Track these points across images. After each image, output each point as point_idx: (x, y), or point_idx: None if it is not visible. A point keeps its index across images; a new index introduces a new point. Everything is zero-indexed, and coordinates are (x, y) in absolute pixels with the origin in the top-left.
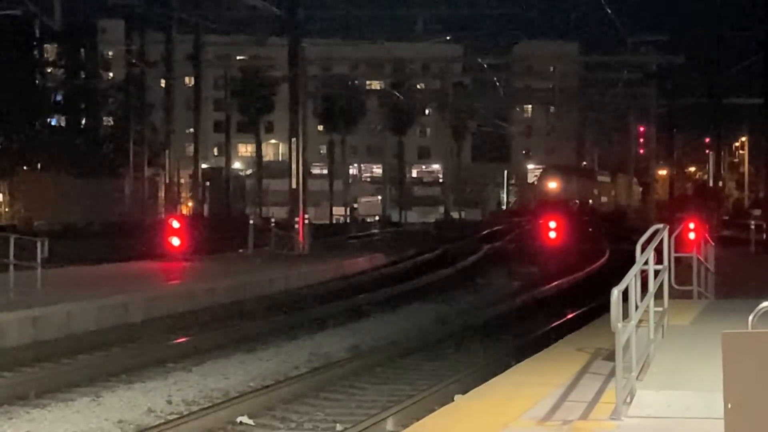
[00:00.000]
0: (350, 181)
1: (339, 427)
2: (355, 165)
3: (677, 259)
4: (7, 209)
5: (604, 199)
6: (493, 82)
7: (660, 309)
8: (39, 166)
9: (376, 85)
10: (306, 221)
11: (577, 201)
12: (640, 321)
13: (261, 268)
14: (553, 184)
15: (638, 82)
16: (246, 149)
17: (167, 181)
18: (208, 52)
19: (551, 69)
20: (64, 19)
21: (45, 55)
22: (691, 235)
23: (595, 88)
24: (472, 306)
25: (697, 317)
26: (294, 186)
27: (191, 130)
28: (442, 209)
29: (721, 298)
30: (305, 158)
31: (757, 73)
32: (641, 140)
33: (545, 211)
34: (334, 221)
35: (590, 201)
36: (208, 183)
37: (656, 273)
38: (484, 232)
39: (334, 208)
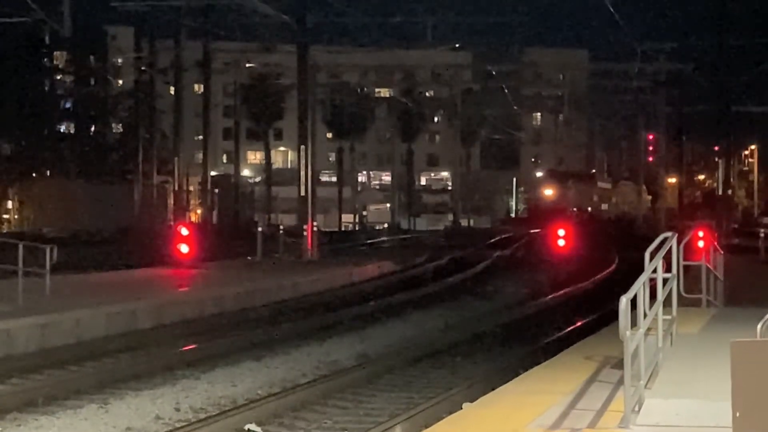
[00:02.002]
0: (359, 188)
1: None
2: (364, 172)
3: (686, 268)
4: (16, 216)
5: (604, 206)
6: (502, 90)
7: (668, 317)
8: (48, 172)
9: (385, 92)
10: (315, 228)
11: (574, 208)
12: (648, 329)
13: (269, 275)
14: (549, 191)
15: (647, 89)
16: (255, 156)
17: (176, 188)
18: (217, 59)
19: (560, 77)
20: (74, 26)
21: (54, 62)
22: (700, 243)
23: (605, 96)
24: (480, 313)
25: (706, 325)
26: (303, 193)
27: (200, 137)
28: (451, 216)
29: (730, 307)
30: (314, 165)
31: (766, 81)
32: (650, 148)
33: (540, 219)
34: (343, 228)
35: (589, 208)
36: (217, 190)
37: (665, 281)
38: (493, 240)
39: (343, 216)
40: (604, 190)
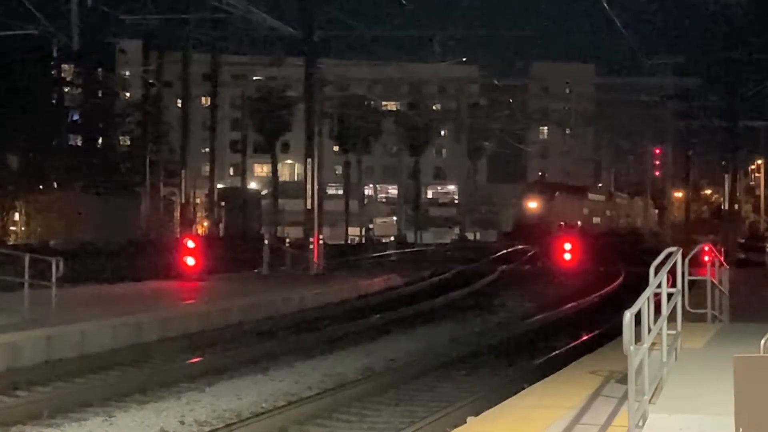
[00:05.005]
0: (366, 201)
1: None
2: (371, 185)
3: (692, 282)
4: (23, 228)
5: (596, 220)
6: (509, 103)
7: (673, 332)
8: (55, 185)
9: (392, 105)
10: (321, 241)
11: (562, 223)
12: (653, 344)
13: (275, 288)
14: (533, 204)
15: (654, 104)
16: (262, 169)
17: (183, 200)
18: (224, 72)
19: (567, 90)
20: (82, 38)
21: (62, 75)
22: (706, 258)
23: (612, 110)
24: (485, 327)
25: (711, 341)
26: (309, 206)
27: (207, 149)
28: (457, 230)
29: (735, 322)
30: (321, 178)
31: None
32: (657, 162)
33: (524, 234)
34: (350, 241)
35: (579, 223)
36: (223, 203)
37: (670, 296)
38: (499, 253)
39: (349, 229)
40: (596, 203)
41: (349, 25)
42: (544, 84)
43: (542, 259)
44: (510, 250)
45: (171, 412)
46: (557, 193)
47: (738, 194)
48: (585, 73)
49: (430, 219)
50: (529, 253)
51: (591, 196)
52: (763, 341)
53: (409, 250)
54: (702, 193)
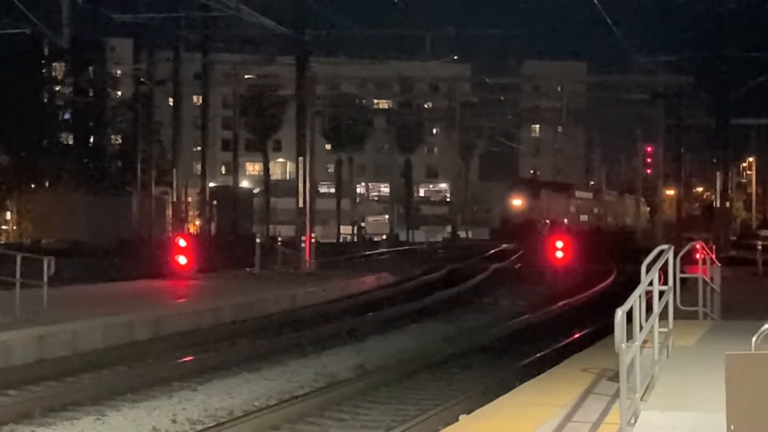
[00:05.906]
0: (358, 200)
1: None
2: (363, 184)
3: (683, 280)
4: (14, 227)
5: (583, 218)
6: (501, 102)
7: (665, 330)
8: (47, 184)
9: (383, 104)
10: (313, 240)
11: (547, 221)
12: (644, 342)
13: (267, 287)
14: (518, 202)
15: (646, 102)
16: (254, 168)
17: (174, 199)
18: (216, 71)
19: (559, 89)
20: (73, 37)
21: (53, 73)
22: (698, 256)
23: (603, 108)
24: (477, 326)
25: (702, 338)
26: (301, 204)
27: (199, 148)
28: (449, 228)
29: (727, 319)
30: (313, 177)
31: (765, 93)
32: (649, 160)
33: (509, 233)
34: (342, 240)
35: (565, 220)
36: (215, 201)
37: (661, 294)
38: (491, 252)
39: (341, 227)
40: (584, 200)
41: (341, 23)
42: (535, 82)
43: (529, 257)
44: (501, 248)
45: (163, 411)
46: (542, 190)
47: (729, 192)
48: (577, 72)
49: (422, 217)
50: (520, 252)
51: (578, 193)
52: (754, 338)
53: (401, 248)
54: (693, 190)
